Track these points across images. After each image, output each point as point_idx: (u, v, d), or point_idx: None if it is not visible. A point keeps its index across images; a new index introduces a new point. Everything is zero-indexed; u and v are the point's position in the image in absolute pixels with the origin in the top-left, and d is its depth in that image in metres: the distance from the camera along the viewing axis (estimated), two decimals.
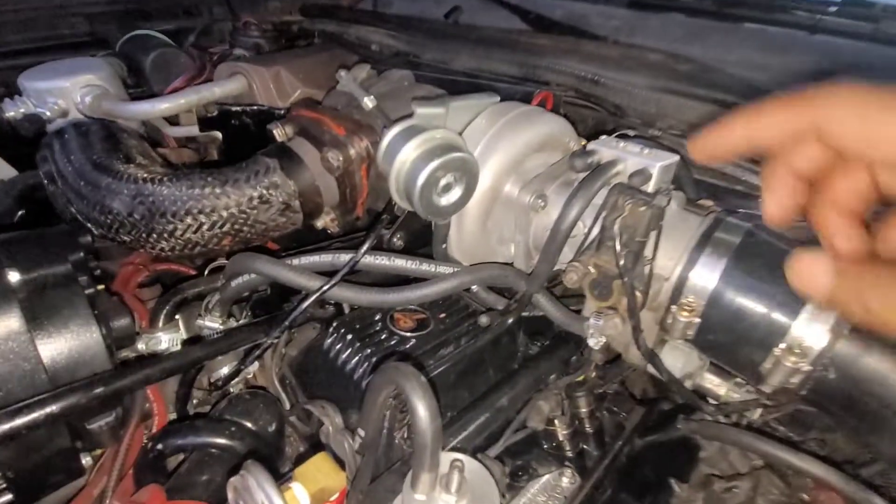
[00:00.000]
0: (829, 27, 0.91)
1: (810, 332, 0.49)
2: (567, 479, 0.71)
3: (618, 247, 0.51)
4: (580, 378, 0.78)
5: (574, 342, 0.79)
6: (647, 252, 0.56)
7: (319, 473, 0.38)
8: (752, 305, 0.52)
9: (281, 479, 0.39)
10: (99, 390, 0.46)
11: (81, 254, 0.56)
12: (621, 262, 0.51)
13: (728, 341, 0.54)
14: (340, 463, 0.41)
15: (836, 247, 0.34)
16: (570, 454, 0.79)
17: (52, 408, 0.44)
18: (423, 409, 0.37)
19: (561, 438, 0.77)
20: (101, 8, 1.43)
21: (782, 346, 0.50)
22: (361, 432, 0.46)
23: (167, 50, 1.24)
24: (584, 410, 0.80)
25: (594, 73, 0.89)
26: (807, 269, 0.34)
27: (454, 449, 0.55)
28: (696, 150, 0.39)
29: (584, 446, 0.81)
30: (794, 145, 0.34)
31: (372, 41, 1.28)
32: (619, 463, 0.80)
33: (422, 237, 0.94)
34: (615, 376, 0.87)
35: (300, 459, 0.46)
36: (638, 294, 0.55)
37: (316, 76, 1.07)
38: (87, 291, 0.54)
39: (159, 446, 0.53)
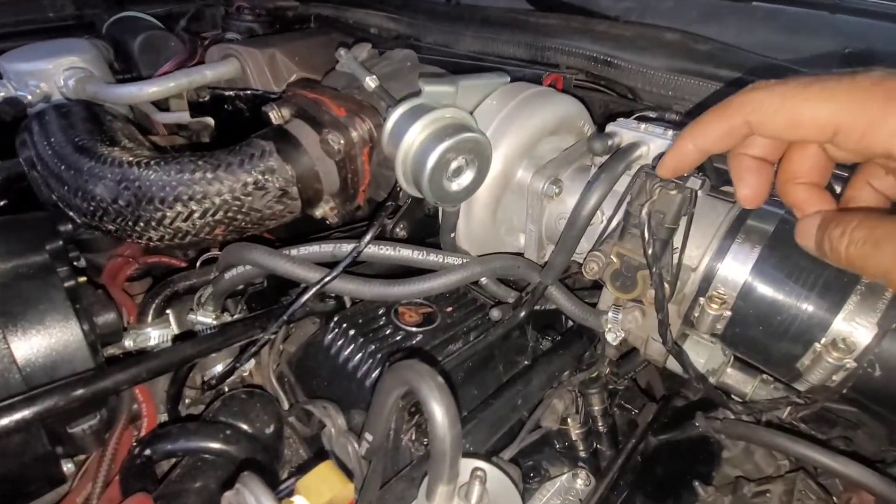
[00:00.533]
0: (849, 7, 0.87)
1: (855, 326, 0.45)
2: (581, 481, 0.68)
3: (646, 234, 0.47)
4: (594, 375, 0.75)
5: (587, 337, 0.75)
6: (676, 241, 0.52)
7: (325, 485, 0.34)
8: (790, 297, 0.48)
9: (281, 491, 0.35)
10: (79, 392, 0.42)
11: (60, 242, 0.51)
12: (650, 251, 0.47)
13: (762, 336, 0.51)
14: (347, 472, 0.36)
15: (804, 213, 0.42)
16: (583, 454, 0.75)
17: (26, 412, 0.39)
18: (441, 414, 0.33)
19: (574, 438, 0.73)
20: None
21: (824, 340, 0.46)
22: (369, 436, 0.42)
23: (156, 32, 1.18)
24: (597, 408, 0.76)
25: (607, 54, 0.85)
26: (802, 228, 0.42)
27: (466, 452, 0.51)
28: (663, 169, 0.46)
29: (598, 446, 0.77)
30: (740, 141, 0.41)
31: (371, 24, 1.23)
32: (633, 463, 0.77)
33: (425, 227, 0.90)
34: (627, 372, 0.83)
35: (303, 469, 0.42)
36: (665, 286, 0.51)
37: (312, 60, 1.02)
38: (66, 284, 0.50)
39: (148, 451, 0.49)
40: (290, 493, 0.34)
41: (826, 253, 0.39)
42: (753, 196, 0.43)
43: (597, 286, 0.82)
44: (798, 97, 0.36)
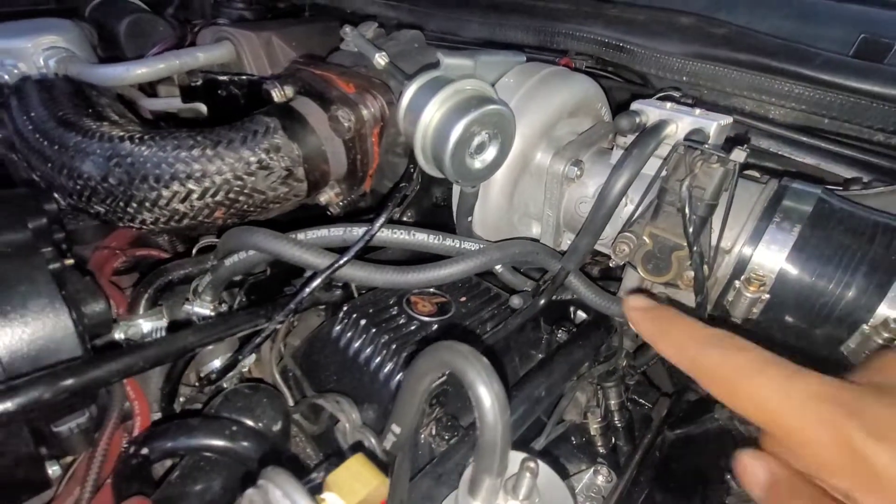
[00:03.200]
0: None
1: None
2: (603, 478, 0.65)
3: (688, 210, 0.44)
4: (611, 367, 0.72)
5: (604, 327, 0.72)
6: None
7: (357, 481, 0.30)
8: (833, 279, 0.46)
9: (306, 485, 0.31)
10: (68, 382, 0.37)
11: (45, 220, 0.46)
12: (691, 229, 0.45)
13: (802, 319, 0.48)
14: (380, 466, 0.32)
15: None
16: (601, 450, 0.72)
17: (8, 404, 0.34)
18: (491, 399, 0.30)
19: (593, 432, 0.70)
20: None
21: (871, 322, 0.44)
22: (396, 428, 0.38)
23: (143, 15, 1.12)
24: (614, 402, 0.73)
25: (619, 39, 0.82)
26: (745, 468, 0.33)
27: None
28: None
29: (616, 440, 0.74)
30: None
31: (370, 13, 1.20)
32: (652, 458, 0.74)
33: (430, 215, 0.86)
34: (642, 364, 0.81)
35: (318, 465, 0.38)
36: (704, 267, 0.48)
37: (311, 45, 0.98)
38: (50, 266, 0.45)
39: (144, 450, 0.44)
40: (318, 489, 0.30)
41: None
42: None
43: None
44: None
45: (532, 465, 0.31)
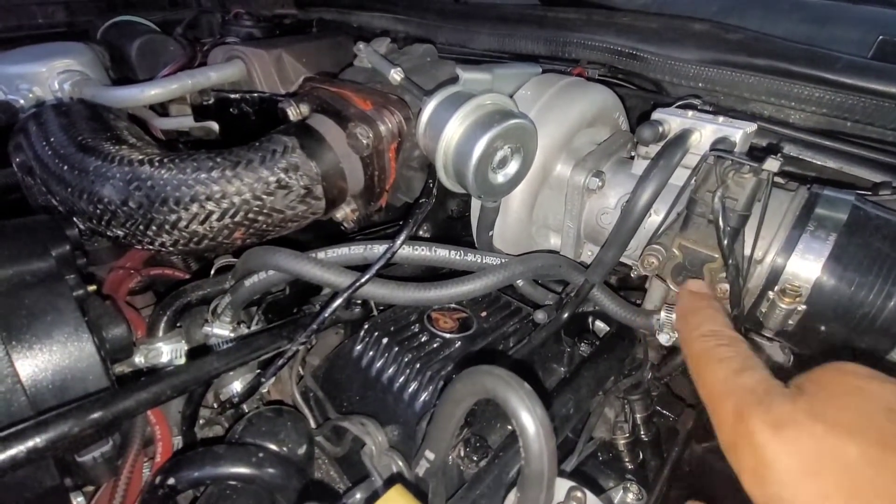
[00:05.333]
0: None
1: None
2: (633, 496, 0.63)
3: (721, 222, 0.43)
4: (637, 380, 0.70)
5: (628, 339, 0.71)
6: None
7: None
8: (874, 288, 0.45)
9: None
10: (96, 415, 0.36)
11: (68, 247, 0.46)
12: (725, 241, 0.43)
13: (841, 331, 0.47)
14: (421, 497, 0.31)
15: None
16: (629, 465, 0.70)
17: (37, 440, 0.34)
18: (536, 427, 0.29)
19: (621, 448, 0.69)
20: None
21: None
22: (430, 454, 0.37)
23: (155, 36, 1.13)
24: (640, 415, 0.72)
25: (632, 47, 0.82)
26: None
27: None
28: None
29: (643, 455, 0.73)
30: None
31: (377, 27, 1.20)
32: (681, 473, 0.72)
33: (445, 228, 0.86)
34: (665, 376, 0.79)
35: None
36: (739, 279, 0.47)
37: (321, 61, 0.98)
38: (75, 293, 0.44)
39: (171, 480, 0.43)
40: None
41: None
42: None
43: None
44: None
45: (580, 494, 0.30)
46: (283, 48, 0.95)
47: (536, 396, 0.30)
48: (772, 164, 0.42)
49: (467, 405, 0.34)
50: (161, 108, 1.05)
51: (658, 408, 0.83)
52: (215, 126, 1.00)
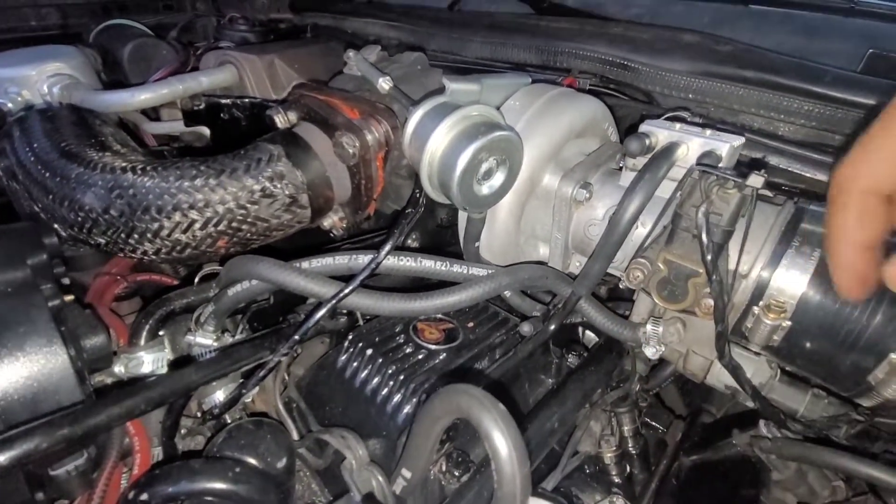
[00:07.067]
0: (864, 10, 0.86)
1: None
2: None
3: (705, 238, 0.43)
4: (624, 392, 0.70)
5: (616, 351, 0.70)
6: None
7: None
8: (859, 306, 0.44)
9: None
10: (65, 431, 0.35)
11: (44, 256, 0.45)
12: (709, 257, 0.43)
13: (826, 348, 0.46)
14: None
15: None
16: (616, 478, 0.70)
17: (2, 457, 0.33)
18: (508, 449, 0.28)
19: (607, 461, 0.68)
20: None
21: None
22: (407, 473, 0.36)
23: (147, 40, 1.13)
24: (627, 428, 0.71)
25: (623, 58, 0.82)
26: None
27: None
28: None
29: (630, 468, 0.72)
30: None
31: (370, 33, 1.20)
32: (669, 487, 0.72)
33: (434, 236, 0.85)
34: (653, 388, 0.79)
35: None
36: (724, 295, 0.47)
37: (313, 67, 0.98)
38: (50, 303, 0.43)
39: (144, 496, 0.42)
40: None
41: None
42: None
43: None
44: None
45: None
46: (276, 54, 0.94)
47: (511, 418, 0.29)
48: (756, 181, 0.42)
49: (444, 423, 0.34)
50: (153, 113, 1.05)
51: (647, 419, 0.83)
52: (206, 131, 0.99)
